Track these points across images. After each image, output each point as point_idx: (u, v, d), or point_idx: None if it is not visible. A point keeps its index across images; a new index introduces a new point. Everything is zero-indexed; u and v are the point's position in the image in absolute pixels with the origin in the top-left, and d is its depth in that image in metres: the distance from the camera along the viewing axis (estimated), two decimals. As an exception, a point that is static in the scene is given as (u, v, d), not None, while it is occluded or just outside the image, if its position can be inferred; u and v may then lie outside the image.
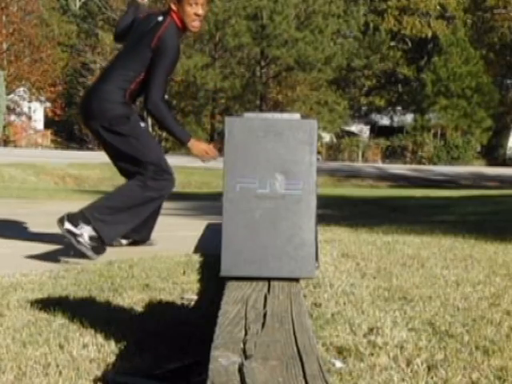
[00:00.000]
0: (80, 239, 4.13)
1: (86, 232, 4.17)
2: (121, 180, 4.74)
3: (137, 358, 2.18)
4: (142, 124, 4.61)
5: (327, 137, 44.33)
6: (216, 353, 1.52)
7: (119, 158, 4.58)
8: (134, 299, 3.01)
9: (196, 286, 3.34)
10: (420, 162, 40.69)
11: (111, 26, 39.38)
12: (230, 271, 2.27)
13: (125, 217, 4.35)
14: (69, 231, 4.13)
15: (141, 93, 4.66)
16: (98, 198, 4.44)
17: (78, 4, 49.65)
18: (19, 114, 43.92)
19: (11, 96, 41.53)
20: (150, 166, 4.43)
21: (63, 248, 4.44)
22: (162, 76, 4.49)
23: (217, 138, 42.09)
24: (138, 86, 4.58)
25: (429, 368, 2.06)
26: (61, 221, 4.17)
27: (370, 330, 2.44)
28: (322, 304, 2.84)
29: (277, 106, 42.23)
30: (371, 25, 44.77)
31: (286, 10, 39.52)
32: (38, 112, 45.19)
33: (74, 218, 4.18)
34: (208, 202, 10.47)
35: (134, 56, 4.59)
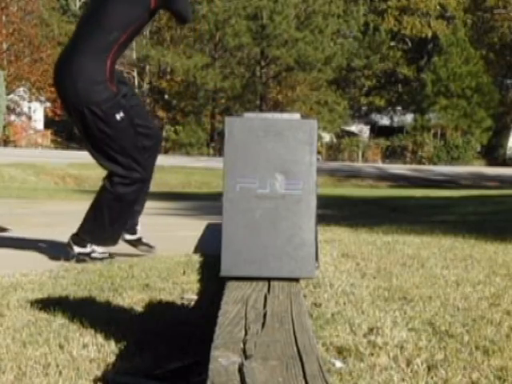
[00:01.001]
0: (94, 255, 4.15)
1: (95, 246, 4.18)
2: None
3: (137, 357, 2.18)
4: (118, 116, 3.95)
5: (327, 137, 44.35)
6: (216, 353, 1.52)
7: (87, 146, 4.11)
8: (133, 299, 3.01)
9: (196, 286, 3.34)
10: (420, 162, 40.73)
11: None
12: (230, 271, 2.27)
13: (120, 223, 4.24)
14: (80, 253, 4.12)
15: (120, 55, 4.03)
16: (85, 219, 4.20)
17: (78, 4, 49.66)
18: (19, 114, 43.94)
19: (11, 96, 41.54)
20: (118, 168, 4.04)
21: (63, 248, 4.44)
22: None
23: (217, 138, 42.11)
24: (121, 48, 3.92)
25: (429, 368, 2.06)
26: (69, 246, 4.15)
27: (370, 329, 2.44)
28: (322, 304, 2.84)
29: (277, 106, 42.27)
30: (371, 25, 44.81)
31: (286, 10, 39.56)
32: (38, 112, 45.20)
33: (79, 240, 4.15)
34: (208, 202, 10.47)
35: (121, 9, 3.85)
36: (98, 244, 4.18)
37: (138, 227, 4.49)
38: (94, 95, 3.88)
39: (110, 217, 4.14)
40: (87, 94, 3.88)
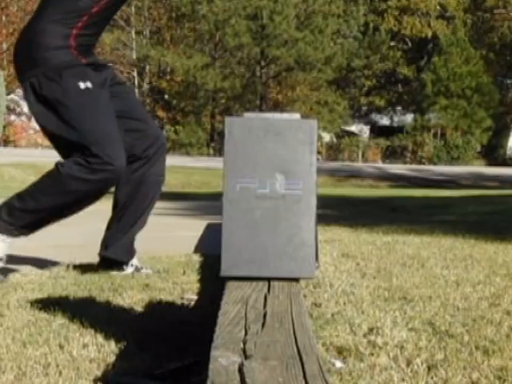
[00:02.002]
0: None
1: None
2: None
3: (137, 358, 2.18)
4: (83, 84, 3.27)
5: (327, 137, 44.33)
6: (216, 353, 1.52)
7: (49, 137, 3.41)
8: (133, 299, 3.01)
9: (196, 286, 3.34)
10: (420, 162, 40.71)
11: (111, 25, 39.34)
12: (230, 271, 2.27)
13: (56, 217, 3.53)
14: None
15: (96, 37, 3.46)
16: (13, 200, 3.59)
17: (78, 4, 49.58)
18: (19, 114, 43.92)
19: (11, 96, 41.52)
20: (84, 149, 3.24)
21: (63, 248, 4.44)
22: None
23: (217, 138, 42.10)
24: (93, 21, 3.32)
25: (429, 368, 2.05)
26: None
27: (370, 329, 2.44)
28: (322, 304, 2.84)
29: (277, 106, 42.25)
30: (371, 25, 44.77)
31: (285, 10, 39.54)
32: (37, 112, 45.15)
33: None
34: (208, 202, 10.47)
35: None
36: (13, 231, 3.43)
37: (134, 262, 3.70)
38: (53, 60, 3.27)
39: (49, 206, 3.40)
40: (45, 59, 3.28)
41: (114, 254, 3.64)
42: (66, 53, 3.29)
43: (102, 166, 3.25)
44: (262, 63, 42.46)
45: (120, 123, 3.45)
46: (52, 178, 3.37)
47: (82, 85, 3.27)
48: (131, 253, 3.68)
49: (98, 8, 3.32)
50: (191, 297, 3.10)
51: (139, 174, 3.57)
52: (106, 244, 3.67)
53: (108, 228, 3.71)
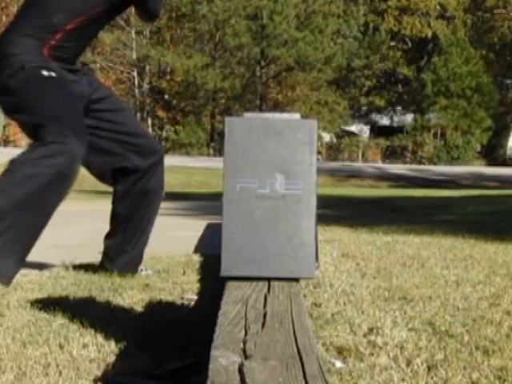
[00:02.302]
0: None
1: None
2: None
3: (137, 358, 2.18)
4: (46, 72, 3.16)
5: (327, 137, 44.33)
6: (216, 353, 1.52)
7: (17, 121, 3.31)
8: (134, 299, 3.01)
9: (196, 286, 3.34)
10: (420, 162, 40.71)
11: (111, 25, 39.35)
12: (230, 271, 2.27)
13: (21, 228, 3.23)
14: None
15: (75, 54, 3.35)
16: None
17: (78, 4, 49.53)
18: (19, 114, 43.90)
19: (11, 96, 41.53)
20: (41, 129, 3.13)
21: (63, 248, 4.44)
22: None
23: (217, 138, 42.10)
24: (67, 38, 3.24)
25: (429, 368, 2.05)
26: None
27: (370, 329, 2.44)
28: (322, 304, 2.84)
29: (277, 106, 42.25)
30: (371, 25, 44.77)
31: (285, 10, 39.54)
32: (37, 112, 45.12)
33: None
34: (208, 202, 10.48)
35: None
36: None
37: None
38: (19, 61, 3.16)
39: (8, 204, 3.11)
40: (12, 62, 3.18)
41: (122, 268, 3.58)
42: (35, 56, 3.19)
43: (57, 137, 3.12)
44: (262, 63, 42.46)
45: (117, 136, 3.47)
46: (5, 171, 3.17)
47: (45, 72, 3.17)
48: (139, 263, 3.66)
49: (72, 26, 3.22)
50: (191, 297, 3.10)
51: (139, 187, 3.58)
52: (111, 256, 3.62)
53: (109, 237, 3.67)
